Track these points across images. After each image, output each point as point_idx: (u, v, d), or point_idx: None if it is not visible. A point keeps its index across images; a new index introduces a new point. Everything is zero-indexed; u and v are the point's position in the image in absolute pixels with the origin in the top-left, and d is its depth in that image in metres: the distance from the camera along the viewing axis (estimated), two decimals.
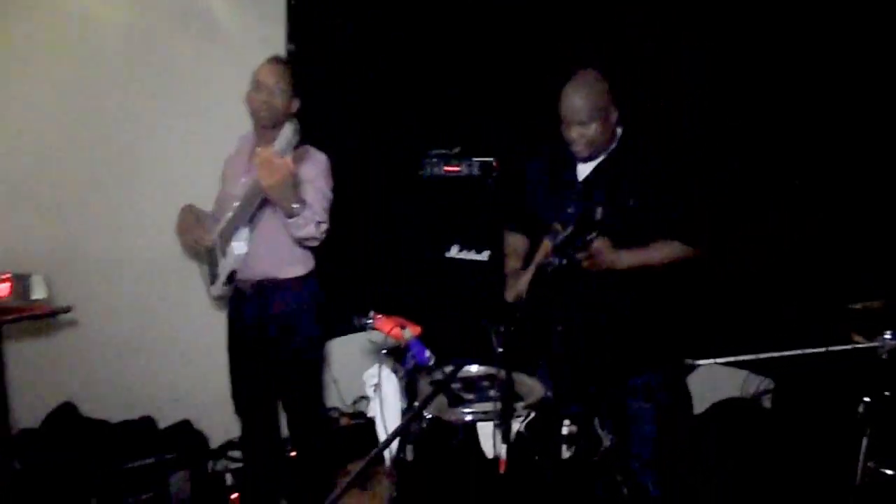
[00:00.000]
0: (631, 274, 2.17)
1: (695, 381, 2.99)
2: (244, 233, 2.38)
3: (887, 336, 1.67)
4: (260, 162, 2.04)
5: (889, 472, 1.72)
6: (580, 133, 2.18)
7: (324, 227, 2.33)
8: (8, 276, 2.30)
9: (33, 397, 2.71)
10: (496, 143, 3.37)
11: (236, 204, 2.38)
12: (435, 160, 3.45)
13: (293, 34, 3.20)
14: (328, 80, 3.27)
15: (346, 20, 3.33)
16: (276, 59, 2.52)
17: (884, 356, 1.68)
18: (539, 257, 2.12)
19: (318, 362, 2.73)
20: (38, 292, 2.30)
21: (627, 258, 2.17)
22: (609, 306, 2.27)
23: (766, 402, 2.83)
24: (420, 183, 3.47)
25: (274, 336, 2.51)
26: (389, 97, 3.49)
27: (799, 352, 2.09)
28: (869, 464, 1.72)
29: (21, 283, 2.31)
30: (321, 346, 2.75)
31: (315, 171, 2.43)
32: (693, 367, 2.87)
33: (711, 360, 2.51)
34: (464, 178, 3.37)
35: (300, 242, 2.39)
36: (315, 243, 2.40)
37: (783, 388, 2.68)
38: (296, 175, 2.13)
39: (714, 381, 3.06)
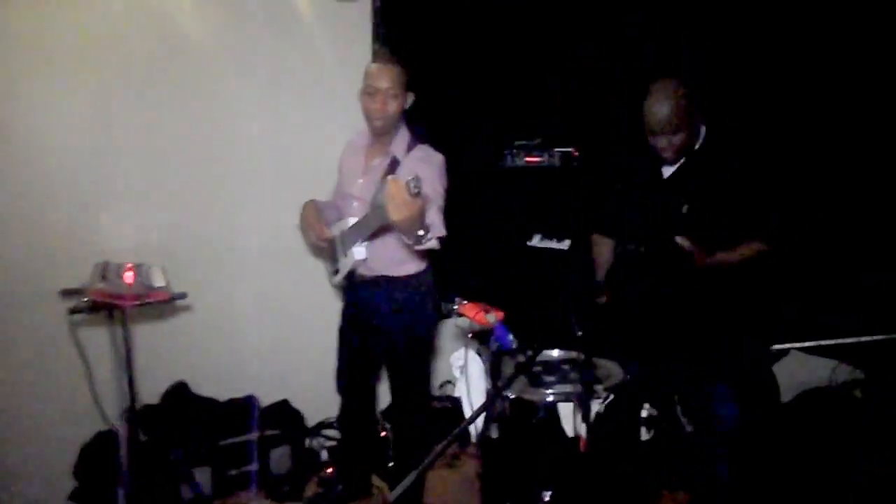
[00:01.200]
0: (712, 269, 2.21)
1: (783, 370, 2.97)
2: (363, 241, 2.45)
3: None
4: (391, 196, 1.90)
5: None
6: (669, 141, 2.23)
7: (443, 237, 2.31)
8: (131, 266, 2.55)
9: (153, 376, 2.98)
10: (577, 133, 3.42)
11: (355, 218, 2.41)
12: (517, 151, 3.53)
13: (380, 33, 3.34)
14: (418, 78, 3.39)
15: (430, 19, 3.44)
16: (385, 59, 2.44)
17: None
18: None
19: (429, 350, 2.73)
20: (158, 280, 2.54)
21: (716, 258, 2.21)
22: (692, 293, 2.31)
23: (857, 393, 2.76)
24: (503, 173, 3.56)
25: (388, 325, 2.55)
26: (472, 91, 3.58)
27: (879, 337, 2.06)
28: None
29: (142, 272, 2.56)
30: (433, 336, 2.74)
31: (433, 174, 2.40)
32: (780, 355, 2.84)
33: (793, 345, 2.48)
34: (545, 169, 3.44)
35: None
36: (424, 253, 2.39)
37: (873, 378, 2.61)
38: (423, 212, 2.02)
39: (804, 370, 3.02)
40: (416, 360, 2.62)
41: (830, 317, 2.68)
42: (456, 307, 2.19)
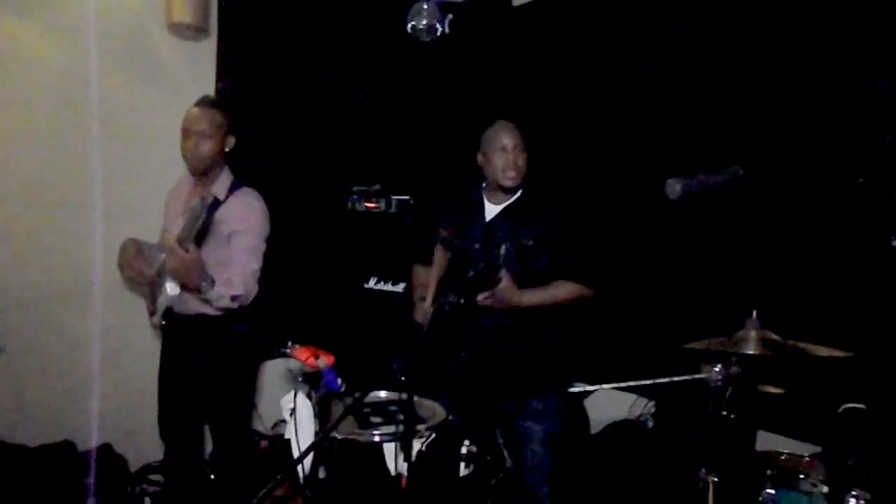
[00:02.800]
0: (529, 308, 2.46)
1: (592, 405, 3.31)
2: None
3: (716, 369, 2.04)
4: (168, 248, 2.11)
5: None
6: (514, 161, 2.45)
7: (244, 297, 2.40)
8: None
9: None
10: (414, 182, 3.63)
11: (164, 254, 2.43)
12: (357, 196, 3.68)
13: (222, 74, 3.37)
14: (258, 118, 3.45)
15: (274, 61, 3.52)
16: (201, 103, 2.54)
17: (716, 384, 2.04)
18: (432, 287, 2.38)
19: (245, 389, 2.81)
20: None
21: (529, 297, 2.45)
22: (508, 336, 2.54)
23: (650, 423, 3.14)
24: (343, 218, 3.69)
25: (203, 365, 2.59)
26: (317, 136, 3.70)
27: (654, 381, 2.40)
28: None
29: None
30: (249, 374, 2.83)
31: (250, 225, 2.50)
32: (586, 393, 3.17)
33: (600, 386, 2.79)
34: (383, 214, 3.62)
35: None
36: (236, 307, 2.45)
37: (662, 409, 3.00)
38: (199, 264, 2.21)
39: (609, 404, 3.38)
40: (232, 399, 2.69)
41: (631, 359, 3.05)
42: (288, 350, 2.25)
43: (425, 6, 3.69)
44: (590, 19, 3.42)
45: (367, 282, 3.65)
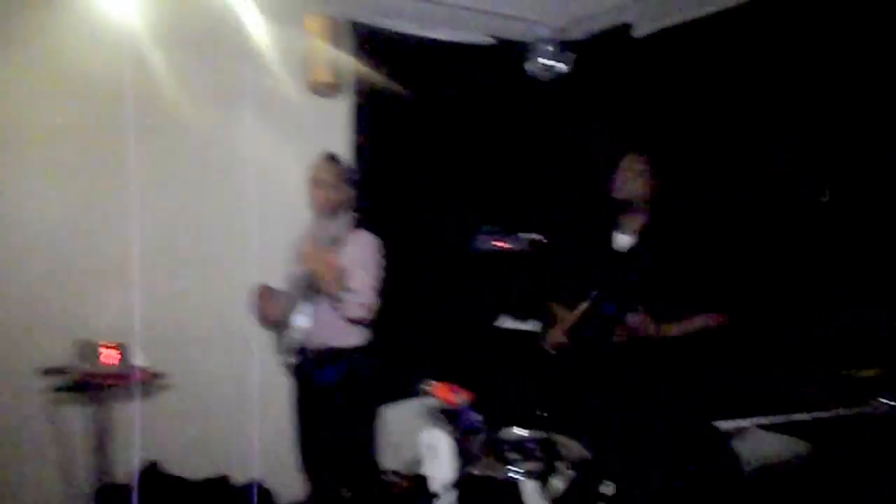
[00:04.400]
0: (668, 340, 2.38)
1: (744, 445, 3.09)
2: (307, 309, 2.70)
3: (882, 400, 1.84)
4: (306, 254, 2.38)
5: None
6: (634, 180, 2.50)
7: (371, 307, 2.62)
8: (112, 345, 2.63)
9: (126, 455, 2.99)
10: (543, 219, 3.64)
11: (297, 284, 2.69)
12: (485, 236, 3.72)
13: (357, 127, 3.58)
14: (391, 167, 3.62)
15: (404, 111, 3.70)
16: (328, 158, 2.87)
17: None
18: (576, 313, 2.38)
19: (371, 421, 2.93)
20: (138, 360, 2.63)
21: (667, 330, 2.38)
22: (647, 371, 2.46)
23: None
24: (473, 258, 3.74)
25: (332, 397, 2.76)
26: (446, 180, 3.82)
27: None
28: None
29: (122, 351, 2.65)
30: (373, 405, 2.95)
31: (364, 255, 2.73)
32: (735, 431, 2.97)
33: (741, 422, 2.61)
34: (511, 253, 3.63)
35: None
36: (364, 321, 2.69)
37: (819, 451, 2.75)
38: (338, 266, 2.45)
39: (762, 444, 3.15)
40: (358, 431, 2.83)
41: (784, 393, 2.83)
42: (427, 388, 2.31)
43: (545, 48, 3.76)
44: (714, 43, 3.32)
45: (499, 320, 3.67)
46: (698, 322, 2.43)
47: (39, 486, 2.81)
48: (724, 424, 2.69)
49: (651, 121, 3.51)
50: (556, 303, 2.86)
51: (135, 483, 3.00)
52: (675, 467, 2.42)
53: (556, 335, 2.67)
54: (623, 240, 2.58)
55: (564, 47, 3.79)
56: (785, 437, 3.01)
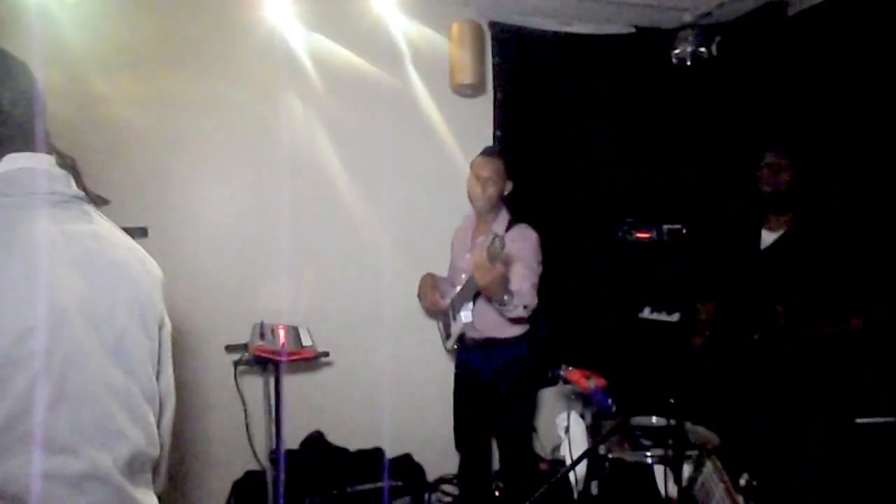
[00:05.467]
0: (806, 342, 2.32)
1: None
2: (469, 305, 2.83)
3: None
4: (475, 263, 2.39)
5: None
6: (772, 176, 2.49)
7: (530, 307, 2.63)
8: (283, 327, 2.99)
9: (294, 424, 3.38)
10: (685, 210, 3.59)
11: (461, 286, 2.82)
12: (628, 227, 3.73)
13: (498, 124, 3.73)
14: (532, 161, 3.74)
15: (545, 113, 3.80)
16: (488, 152, 2.96)
17: None
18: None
19: (529, 408, 3.10)
20: (306, 340, 2.96)
21: (810, 331, 2.32)
22: (782, 371, 2.41)
23: None
24: (615, 248, 3.77)
25: (493, 385, 2.89)
26: (588, 172, 3.87)
27: None
28: None
29: (293, 332, 3.00)
30: (532, 394, 3.12)
31: (526, 250, 2.78)
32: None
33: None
34: (654, 243, 3.62)
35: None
36: (525, 317, 2.73)
37: None
38: (503, 276, 2.45)
39: None
40: (516, 416, 2.93)
41: None
42: (563, 373, 2.42)
43: (688, 33, 3.68)
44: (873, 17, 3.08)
45: (642, 311, 3.67)
46: (838, 325, 2.34)
47: (226, 443, 3.25)
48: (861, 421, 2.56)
49: (795, 109, 3.34)
50: (699, 298, 2.85)
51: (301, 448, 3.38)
52: (814, 462, 2.34)
53: (697, 340, 2.65)
54: (769, 237, 2.52)
55: (710, 31, 3.70)
56: None
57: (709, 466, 2.11)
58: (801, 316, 2.31)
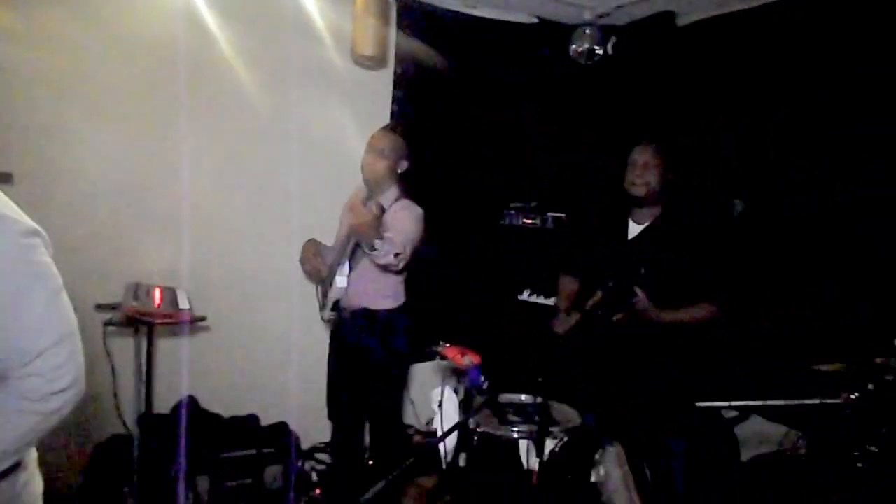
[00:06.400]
0: (664, 326, 2.53)
1: (743, 432, 3.22)
2: (345, 269, 2.88)
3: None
4: (350, 206, 2.47)
5: None
6: (643, 174, 2.63)
7: (401, 257, 2.68)
8: (159, 288, 2.90)
9: (166, 389, 3.29)
10: (568, 199, 3.77)
11: (338, 245, 2.87)
12: (514, 212, 3.89)
13: (396, 98, 3.75)
14: (425, 138, 3.78)
15: (442, 87, 3.84)
16: (385, 127, 3.00)
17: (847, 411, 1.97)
18: (589, 304, 2.52)
19: (400, 382, 3.15)
20: (182, 302, 2.89)
21: (666, 316, 2.53)
22: (646, 353, 2.61)
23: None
24: (500, 232, 3.91)
25: (366, 356, 2.93)
26: (479, 157, 3.97)
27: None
28: None
29: (169, 294, 2.91)
30: (404, 369, 3.17)
31: (407, 220, 2.83)
32: (737, 420, 3.10)
33: (743, 403, 2.70)
34: (538, 230, 3.79)
35: (384, 269, 2.78)
36: (395, 269, 2.77)
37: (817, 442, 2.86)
38: (378, 218, 2.54)
39: (761, 432, 3.27)
40: (388, 392, 3.01)
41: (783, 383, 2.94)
42: (439, 349, 2.50)
43: (587, 31, 3.84)
44: (757, 34, 3.36)
45: (521, 294, 3.84)
46: (694, 312, 2.57)
47: (93, 404, 3.11)
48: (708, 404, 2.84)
49: (674, 109, 3.60)
50: (566, 275, 3.03)
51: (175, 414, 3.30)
52: (671, 444, 2.56)
53: (564, 324, 2.81)
54: (634, 230, 2.71)
55: (607, 31, 3.87)
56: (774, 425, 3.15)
57: (611, 452, 2.27)
58: (659, 303, 2.50)
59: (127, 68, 3.17)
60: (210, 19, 3.21)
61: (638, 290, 2.44)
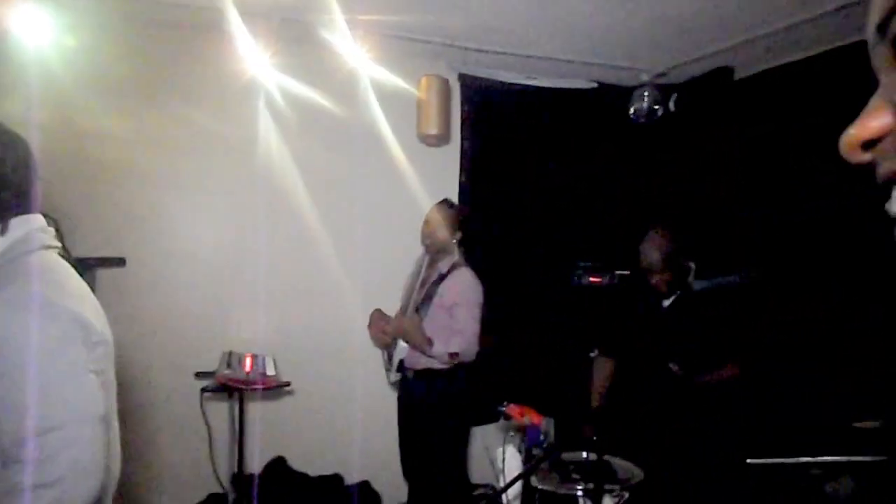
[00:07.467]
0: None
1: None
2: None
3: None
4: (395, 327, 2.91)
5: None
6: (659, 278, 2.89)
7: (465, 355, 2.97)
8: (250, 356, 3.18)
9: (257, 449, 3.54)
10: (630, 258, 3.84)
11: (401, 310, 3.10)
12: (581, 272, 3.97)
13: (465, 172, 3.98)
14: (494, 207, 3.98)
15: (507, 157, 4.05)
16: (442, 202, 3.25)
17: None
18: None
19: (458, 438, 3.27)
20: (270, 369, 3.15)
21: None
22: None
23: None
24: (569, 292, 3.99)
25: (426, 412, 3.11)
26: (547, 217, 4.12)
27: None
28: None
29: (258, 361, 3.18)
30: (463, 426, 3.30)
31: (463, 298, 3.06)
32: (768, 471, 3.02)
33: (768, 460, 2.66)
34: (606, 287, 3.85)
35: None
36: (454, 363, 3.01)
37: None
38: (421, 328, 2.92)
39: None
40: (447, 445, 3.14)
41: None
42: (503, 408, 2.62)
43: (646, 92, 3.96)
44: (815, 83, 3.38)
45: (592, 351, 3.88)
46: (723, 374, 2.73)
47: (192, 465, 3.40)
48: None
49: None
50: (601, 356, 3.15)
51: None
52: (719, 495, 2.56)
53: (595, 399, 3.05)
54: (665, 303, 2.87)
55: (666, 89, 3.97)
56: None
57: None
58: (690, 369, 2.62)
59: (214, 162, 3.57)
60: (284, 105, 3.56)
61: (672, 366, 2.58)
